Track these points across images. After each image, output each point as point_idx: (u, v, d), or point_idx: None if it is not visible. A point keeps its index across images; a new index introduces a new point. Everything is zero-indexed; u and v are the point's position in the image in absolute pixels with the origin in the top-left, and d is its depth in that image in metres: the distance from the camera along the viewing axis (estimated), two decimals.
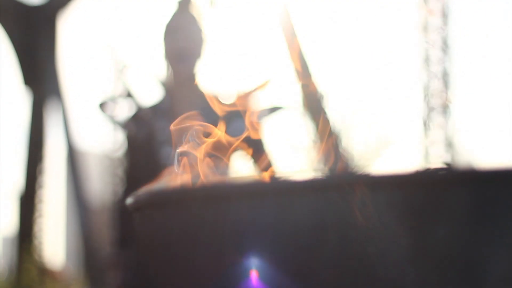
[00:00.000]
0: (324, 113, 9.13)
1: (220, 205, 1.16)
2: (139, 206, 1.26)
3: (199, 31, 2.60)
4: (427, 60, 9.21)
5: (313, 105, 8.91)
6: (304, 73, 9.29)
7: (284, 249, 1.09)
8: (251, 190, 1.14)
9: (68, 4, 16.48)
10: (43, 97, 17.46)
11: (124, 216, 2.66)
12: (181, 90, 2.56)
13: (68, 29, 26.51)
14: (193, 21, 2.59)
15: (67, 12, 16.58)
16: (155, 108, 2.59)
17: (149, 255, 1.22)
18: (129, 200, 1.20)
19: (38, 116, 17.54)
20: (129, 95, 2.69)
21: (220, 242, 1.13)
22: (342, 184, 1.09)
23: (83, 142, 17.58)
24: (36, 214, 17.38)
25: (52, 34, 17.16)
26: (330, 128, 8.99)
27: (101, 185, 17.74)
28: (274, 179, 1.17)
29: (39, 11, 17.20)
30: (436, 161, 9.01)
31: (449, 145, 9.05)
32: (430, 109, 9.14)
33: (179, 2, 2.72)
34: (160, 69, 2.73)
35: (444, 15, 9.29)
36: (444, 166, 8.75)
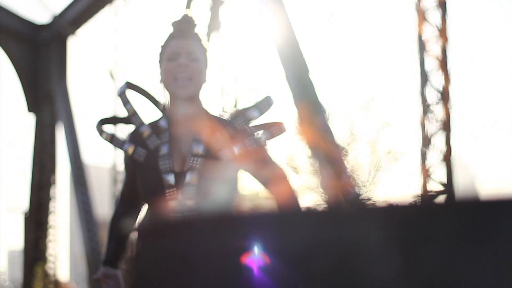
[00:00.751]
0: (329, 132, 9.13)
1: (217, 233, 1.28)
2: (140, 233, 1.39)
3: (201, 53, 2.55)
4: (426, 76, 9.21)
5: (316, 124, 8.94)
6: (306, 93, 9.34)
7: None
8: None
9: (75, 22, 16.65)
10: (48, 120, 17.53)
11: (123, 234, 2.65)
12: (180, 114, 2.54)
13: (75, 48, 26.47)
14: (194, 43, 2.55)
15: (75, 30, 16.72)
16: (153, 128, 2.57)
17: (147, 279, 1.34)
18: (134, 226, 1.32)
19: (42, 138, 17.66)
20: (128, 115, 2.62)
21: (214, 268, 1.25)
22: (336, 215, 1.20)
23: (90, 158, 17.63)
24: (43, 229, 17.47)
25: (59, 53, 17.28)
26: (334, 146, 8.99)
27: (107, 198, 17.79)
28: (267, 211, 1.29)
29: (45, 30, 17.32)
30: (433, 183, 8.96)
31: (448, 163, 9.02)
32: (429, 127, 9.12)
33: (178, 24, 2.59)
34: (158, 89, 2.64)
35: (443, 29, 9.29)
36: (434, 194, 8.71)
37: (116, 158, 16.21)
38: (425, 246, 1.11)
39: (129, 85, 2.65)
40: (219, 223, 1.30)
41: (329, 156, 8.73)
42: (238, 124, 2.56)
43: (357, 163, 14.35)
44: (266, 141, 2.57)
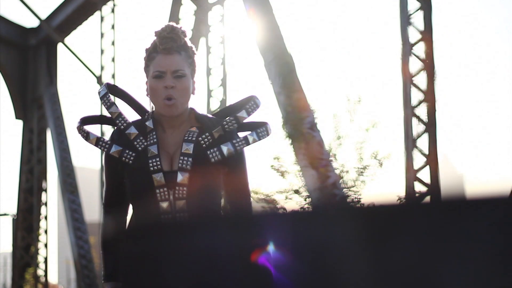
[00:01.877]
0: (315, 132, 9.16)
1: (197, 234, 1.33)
2: (127, 236, 1.43)
3: (187, 66, 2.54)
4: (407, 72, 9.23)
5: (299, 127, 8.97)
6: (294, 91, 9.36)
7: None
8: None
9: (64, 27, 16.60)
10: (37, 125, 17.43)
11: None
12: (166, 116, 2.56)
13: (64, 52, 26.32)
14: (180, 57, 2.54)
15: (64, 35, 16.67)
16: (139, 128, 2.58)
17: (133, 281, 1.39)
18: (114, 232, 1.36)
19: (31, 143, 17.56)
20: (112, 116, 2.60)
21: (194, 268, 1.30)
22: (312, 216, 1.26)
23: (78, 160, 17.59)
24: (32, 233, 17.42)
25: (47, 57, 17.21)
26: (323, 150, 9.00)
27: (96, 200, 17.77)
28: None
29: (34, 34, 17.24)
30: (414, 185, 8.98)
31: (433, 164, 9.04)
32: (413, 130, 9.13)
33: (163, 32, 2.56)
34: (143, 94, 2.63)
35: (426, 33, 9.33)
36: (419, 195, 8.68)
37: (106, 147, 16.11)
38: (397, 245, 1.15)
39: (109, 87, 2.65)
40: (206, 225, 1.35)
41: (315, 158, 8.75)
42: (226, 124, 2.57)
43: (344, 165, 14.42)
44: (254, 142, 2.59)
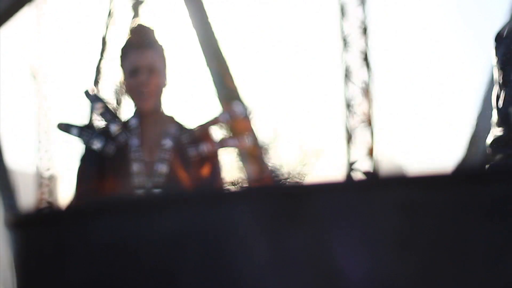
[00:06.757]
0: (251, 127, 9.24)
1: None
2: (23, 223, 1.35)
3: (159, 61, 2.68)
4: (348, 72, 9.39)
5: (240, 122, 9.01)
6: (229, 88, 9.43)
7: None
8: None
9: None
10: None
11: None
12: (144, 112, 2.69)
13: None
14: (152, 53, 2.66)
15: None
16: (123, 126, 2.68)
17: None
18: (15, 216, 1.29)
19: None
20: (99, 113, 2.70)
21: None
22: (213, 197, 1.20)
23: (13, 164, 17.33)
24: None
25: None
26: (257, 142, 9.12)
27: (32, 204, 17.51)
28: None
29: None
30: (358, 170, 9.18)
31: (371, 153, 9.22)
32: (352, 118, 9.30)
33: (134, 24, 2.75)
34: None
35: (363, 28, 9.49)
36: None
37: (41, 163, 15.95)
38: (294, 227, 1.10)
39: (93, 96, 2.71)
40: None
41: (253, 154, 8.86)
42: (206, 125, 2.70)
43: (283, 160, 14.56)
44: (233, 144, 2.74)
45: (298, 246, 1.09)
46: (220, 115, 2.70)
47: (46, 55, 15.61)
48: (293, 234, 1.10)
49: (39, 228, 1.27)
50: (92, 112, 2.74)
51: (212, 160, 2.67)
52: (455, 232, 1.08)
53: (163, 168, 2.57)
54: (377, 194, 1.08)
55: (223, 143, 2.69)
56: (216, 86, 9.57)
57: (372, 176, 1.15)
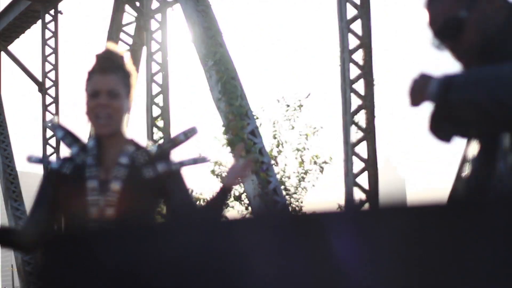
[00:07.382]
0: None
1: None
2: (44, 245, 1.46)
3: (122, 86, 2.68)
4: (346, 78, 9.25)
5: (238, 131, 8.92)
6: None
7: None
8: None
9: (7, 33, 16.37)
10: None
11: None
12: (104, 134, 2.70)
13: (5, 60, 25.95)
14: (115, 78, 2.67)
15: (5, 44, 16.44)
16: (82, 148, 2.72)
17: None
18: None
19: None
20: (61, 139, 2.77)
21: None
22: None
23: (20, 165, 17.33)
24: None
25: None
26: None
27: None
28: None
29: None
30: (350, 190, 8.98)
31: (372, 170, 9.05)
32: (351, 126, 9.14)
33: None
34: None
35: (365, 37, 9.37)
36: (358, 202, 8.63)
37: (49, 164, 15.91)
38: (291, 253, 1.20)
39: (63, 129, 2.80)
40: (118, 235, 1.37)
41: (255, 163, 8.78)
42: (164, 146, 2.75)
43: (285, 170, 14.52)
44: (189, 164, 2.75)
45: (302, 271, 1.16)
46: (177, 136, 2.75)
47: (53, 69, 15.62)
48: (296, 260, 1.16)
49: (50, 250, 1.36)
50: (57, 138, 2.80)
51: (174, 178, 2.68)
52: (454, 258, 1.10)
53: (116, 185, 2.60)
54: (379, 223, 1.16)
55: (182, 163, 2.72)
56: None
57: (374, 205, 1.23)
